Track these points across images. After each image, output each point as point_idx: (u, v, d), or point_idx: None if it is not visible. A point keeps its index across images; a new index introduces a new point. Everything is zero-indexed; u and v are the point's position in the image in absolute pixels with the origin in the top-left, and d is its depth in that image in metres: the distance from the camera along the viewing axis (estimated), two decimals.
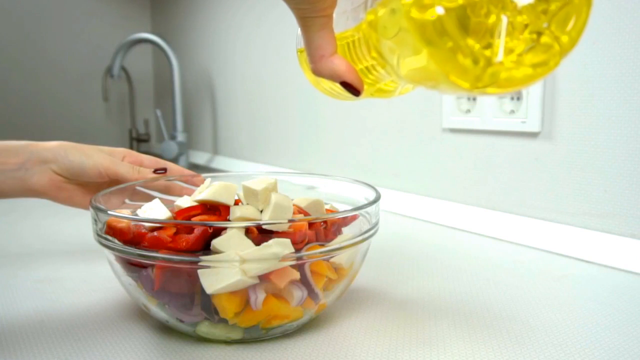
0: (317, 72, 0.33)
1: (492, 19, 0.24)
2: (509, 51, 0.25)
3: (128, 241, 0.37)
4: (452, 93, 0.31)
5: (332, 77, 0.32)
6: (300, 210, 0.42)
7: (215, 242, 0.34)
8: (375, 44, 0.31)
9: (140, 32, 1.37)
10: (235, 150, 1.29)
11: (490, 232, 0.67)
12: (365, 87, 0.34)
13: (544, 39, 0.25)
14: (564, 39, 0.26)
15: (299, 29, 0.33)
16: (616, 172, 0.57)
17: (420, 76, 0.28)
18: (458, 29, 0.24)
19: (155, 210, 0.42)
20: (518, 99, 0.65)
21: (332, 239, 0.39)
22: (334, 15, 0.32)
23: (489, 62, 0.25)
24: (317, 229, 0.38)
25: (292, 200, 0.42)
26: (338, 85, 0.33)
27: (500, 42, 0.24)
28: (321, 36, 0.31)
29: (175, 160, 1.31)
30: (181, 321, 0.37)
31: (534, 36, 0.25)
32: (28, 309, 0.44)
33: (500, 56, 0.25)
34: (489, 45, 0.24)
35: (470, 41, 0.24)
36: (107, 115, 1.67)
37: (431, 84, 0.28)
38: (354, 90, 0.33)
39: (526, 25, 0.25)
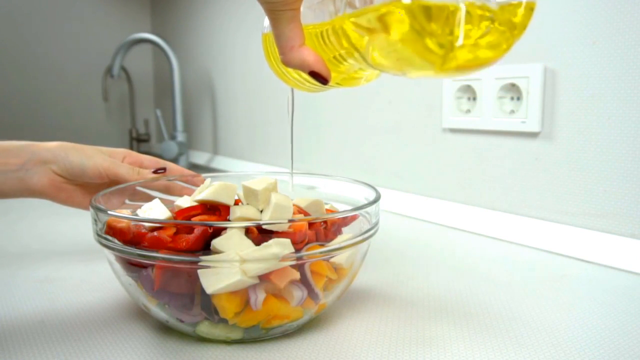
0: (287, 62, 0.34)
1: (452, 7, 0.27)
2: (468, 36, 0.28)
3: (128, 241, 0.37)
4: (417, 76, 0.33)
5: (301, 67, 0.34)
6: (300, 210, 0.42)
7: (215, 242, 0.34)
8: (347, 32, 0.32)
9: (140, 32, 1.37)
10: (235, 150, 1.29)
11: (490, 232, 0.67)
12: (333, 75, 0.35)
13: (497, 25, 0.29)
14: (515, 24, 0.29)
15: (267, 20, 0.34)
16: (616, 172, 0.57)
17: (390, 61, 0.31)
18: (424, 16, 0.27)
19: (155, 210, 0.42)
20: (518, 99, 0.65)
21: (332, 239, 0.39)
22: (301, 8, 0.33)
23: (451, 45, 0.28)
24: (317, 229, 0.38)
25: (292, 200, 0.42)
26: (305, 75, 0.35)
27: (460, 28, 0.27)
28: (290, 29, 0.33)
29: (175, 160, 1.31)
30: (181, 321, 0.37)
31: (489, 23, 0.28)
32: (28, 309, 0.44)
33: (460, 40, 0.28)
34: (450, 32, 0.27)
35: (435, 26, 0.27)
36: (107, 115, 1.67)
37: (399, 68, 0.31)
38: (322, 79, 0.34)
39: (482, 14, 0.28)
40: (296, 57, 0.33)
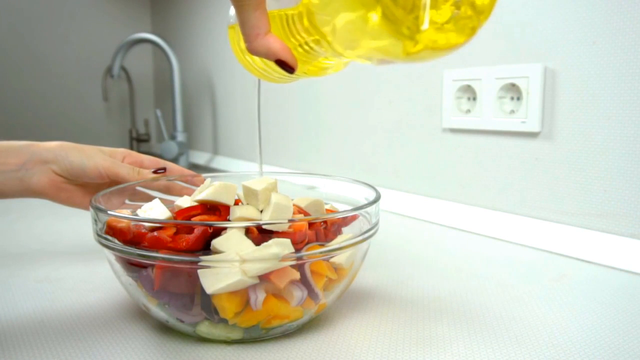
0: (253, 50, 0.33)
1: None
2: (433, 21, 0.28)
3: (128, 241, 0.37)
4: (383, 61, 0.33)
5: (267, 55, 0.33)
6: (300, 210, 0.42)
7: (215, 242, 0.34)
8: (313, 17, 0.32)
9: (140, 32, 1.37)
10: (235, 150, 1.29)
11: (490, 232, 0.67)
12: (299, 64, 0.35)
13: (464, 9, 0.29)
14: (481, 8, 0.30)
15: (232, 8, 0.34)
16: (616, 172, 0.57)
17: (356, 45, 0.31)
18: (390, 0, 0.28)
19: (155, 210, 0.42)
20: (518, 99, 0.65)
21: (332, 239, 0.39)
22: None
23: (417, 29, 0.28)
24: (317, 229, 0.38)
25: (292, 200, 0.42)
26: (271, 64, 0.34)
27: (426, 13, 0.28)
28: (256, 16, 0.32)
29: (175, 160, 1.31)
30: (181, 321, 0.37)
31: (454, 8, 0.29)
32: (28, 309, 0.44)
33: (426, 24, 0.28)
34: (416, 16, 0.28)
35: (400, 10, 0.28)
36: (107, 115, 1.67)
37: (364, 53, 0.31)
38: (288, 67, 0.34)
39: None
40: (262, 44, 0.33)
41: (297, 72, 0.36)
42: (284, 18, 0.35)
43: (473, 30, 0.30)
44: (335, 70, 0.40)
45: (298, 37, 0.35)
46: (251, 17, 0.32)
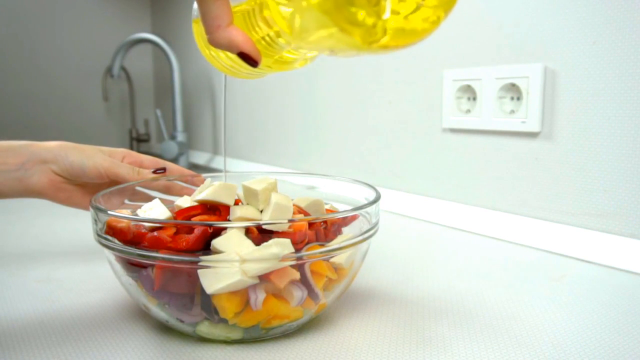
0: (214, 42, 0.32)
1: None
2: (396, 12, 0.27)
3: (128, 241, 0.37)
4: (346, 52, 0.32)
5: (229, 47, 0.32)
6: (300, 210, 0.42)
7: (215, 242, 0.34)
8: (271, 8, 0.31)
9: (140, 32, 1.37)
10: (235, 150, 1.29)
11: (490, 232, 0.67)
12: (263, 58, 0.34)
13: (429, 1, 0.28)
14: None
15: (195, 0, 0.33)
16: (616, 172, 0.57)
17: (316, 35, 0.30)
18: None
19: (155, 210, 0.42)
20: (518, 99, 0.65)
21: (332, 239, 0.39)
22: None
23: (378, 17, 0.27)
24: (317, 229, 0.38)
25: (292, 200, 0.42)
26: (236, 58, 0.33)
27: (387, 3, 0.27)
28: (217, 6, 0.31)
29: (175, 160, 1.31)
30: (181, 321, 0.37)
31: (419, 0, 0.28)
32: (28, 309, 0.44)
33: (387, 13, 0.27)
34: (377, 2, 0.27)
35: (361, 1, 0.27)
36: (107, 115, 1.67)
37: (327, 45, 0.30)
38: (251, 60, 0.33)
39: None
40: (223, 36, 0.32)
41: (261, 66, 0.35)
42: (246, 10, 0.34)
43: (438, 20, 0.29)
44: (302, 64, 0.39)
45: (258, 29, 0.34)
46: (212, 7, 0.31)
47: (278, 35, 0.33)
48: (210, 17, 0.32)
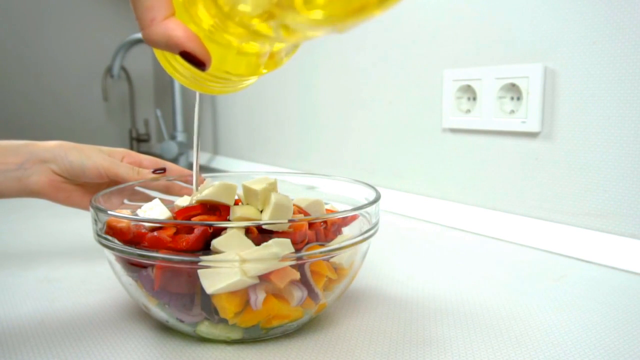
0: (149, 39, 0.26)
1: None
2: None
3: (128, 241, 0.37)
4: (315, 33, 0.25)
5: (167, 45, 0.26)
6: (300, 210, 0.42)
7: (215, 242, 0.34)
8: None
9: (140, 32, 1.37)
10: (235, 150, 1.29)
11: (490, 232, 0.67)
12: (214, 60, 0.27)
13: None
14: None
15: None
16: (616, 172, 0.57)
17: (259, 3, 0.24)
18: None
19: (155, 210, 0.42)
20: (518, 99, 0.65)
21: (332, 239, 0.39)
22: None
23: None
24: (317, 229, 0.38)
25: (292, 200, 0.42)
26: (189, 64, 0.27)
27: None
28: None
29: (175, 160, 1.31)
30: (181, 321, 0.37)
31: None
32: (28, 309, 0.44)
33: None
34: None
35: None
36: (107, 115, 1.67)
37: (302, 32, 0.25)
38: (197, 61, 0.26)
39: None
40: (159, 32, 0.25)
41: (215, 69, 0.28)
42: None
43: None
44: (269, 69, 0.30)
45: (197, 19, 0.26)
46: None
47: (229, 16, 0.25)
48: (143, 8, 0.25)
